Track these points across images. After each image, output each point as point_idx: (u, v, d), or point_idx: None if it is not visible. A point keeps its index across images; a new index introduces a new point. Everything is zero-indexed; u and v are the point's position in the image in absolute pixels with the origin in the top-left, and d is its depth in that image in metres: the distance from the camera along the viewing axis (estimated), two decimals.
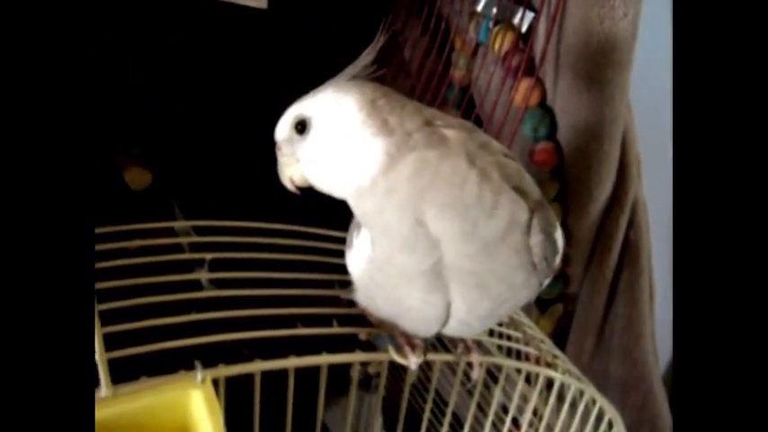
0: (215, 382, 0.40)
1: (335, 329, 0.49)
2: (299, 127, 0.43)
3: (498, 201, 0.41)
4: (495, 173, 0.42)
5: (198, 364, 0.39)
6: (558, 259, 0.46)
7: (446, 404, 0.61)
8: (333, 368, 0.47)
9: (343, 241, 0.57)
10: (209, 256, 0.54)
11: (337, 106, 0.42)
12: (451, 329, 0.47)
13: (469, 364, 0.54)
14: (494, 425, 0.60)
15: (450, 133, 0.42)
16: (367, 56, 0.45)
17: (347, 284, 0.55)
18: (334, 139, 0.42)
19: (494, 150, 0.44)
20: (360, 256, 0.47)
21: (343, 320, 0.51)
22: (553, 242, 0.44)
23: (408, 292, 0.44)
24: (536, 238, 0.43)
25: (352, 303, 0.54)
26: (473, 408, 0.60)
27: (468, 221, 0.40)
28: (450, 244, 0.41)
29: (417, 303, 0.44)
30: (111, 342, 0.41)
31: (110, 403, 0.37)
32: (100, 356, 0.39)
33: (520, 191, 0.43)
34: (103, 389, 0.37)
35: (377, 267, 0.45)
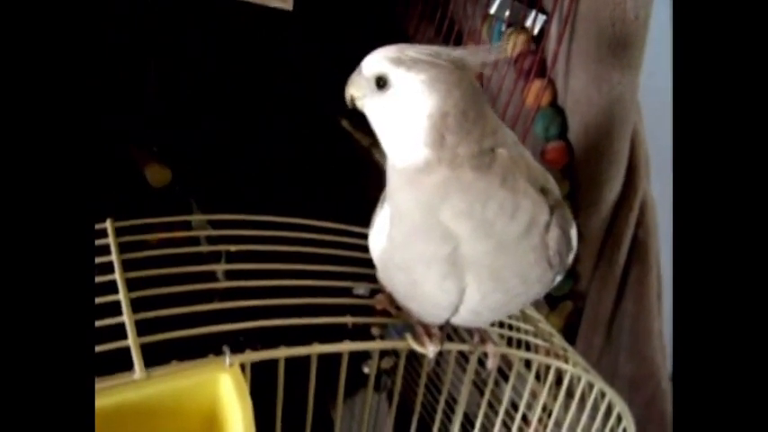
0: (241, 367, 0.41)
1: (349, 319, 0.50)
2: (379, 82, 0.42)
3: (519, 204, 0.42)
4: (523, 178, 0.43)
5: (226, 349, 0.41)
6: (571, 256, 0.47)
7: (455, 401, 0.61)
8: (340, 367, 0.48)
9: (356, 235, 0.59)
10: (232, 248, 0.55)
11: (414, 98, 0.41)
12: (461, 318, 0.48)
13: (482, 363, 0.55)
14: (503, 422, 0.61)
15: (500, 152, 0.42)
16: (487, 56, 0.43)
17: (360, 278, 0.57)
18: (392, 121, 0.42)
19: (525, 156, 0.45)
20: (381, 236, 0.48)
21: (357, 313, 0.52)
22: (569, 239, 0.46)
23: (424, 276, 0.45)
24: (553, 234, 0.44)
25: (362, 298, 0.55)
26: (485, 402, 0.60)
27: (485, 224, 0.42)
28: (466, 241, 0.42)
29: (432, 288, 0.45)
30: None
31: (143, 385, 0.38)
32: (133, 341, 0.40)
33: (544, 190, 0.44)
34: (137, 371, 0.39)
35: (395, 248, 0.46)
